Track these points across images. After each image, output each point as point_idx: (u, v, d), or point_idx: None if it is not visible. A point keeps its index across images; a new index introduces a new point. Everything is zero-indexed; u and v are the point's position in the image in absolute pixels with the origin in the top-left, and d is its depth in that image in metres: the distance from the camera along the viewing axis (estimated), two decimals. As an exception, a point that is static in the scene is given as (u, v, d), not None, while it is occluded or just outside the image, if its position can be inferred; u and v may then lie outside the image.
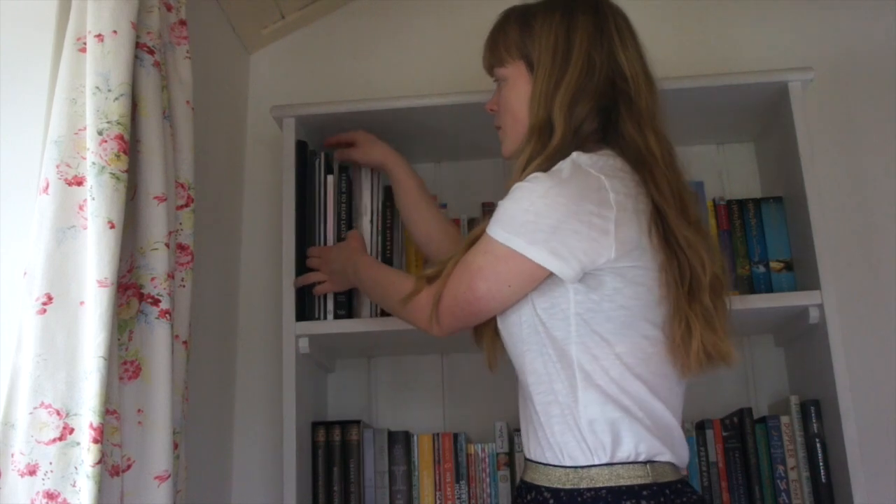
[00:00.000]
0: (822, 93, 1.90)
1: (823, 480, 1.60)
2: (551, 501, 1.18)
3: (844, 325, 1.60)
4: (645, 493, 1.15)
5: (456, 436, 1.73)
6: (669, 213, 1.23)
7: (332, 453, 1.71)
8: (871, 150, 1.94)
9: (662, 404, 1.20)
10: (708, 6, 2.05)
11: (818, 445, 1.62)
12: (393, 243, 1.76)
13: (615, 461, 1.16)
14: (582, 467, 1.17)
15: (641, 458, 1.17)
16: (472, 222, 1.82)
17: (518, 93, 1.34)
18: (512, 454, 1.72)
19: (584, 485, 1.16)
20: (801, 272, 1.69)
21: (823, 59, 1.95)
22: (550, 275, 1.20)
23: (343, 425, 1.72)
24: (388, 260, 1.74)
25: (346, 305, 1.69)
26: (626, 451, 1.17)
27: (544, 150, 1.26)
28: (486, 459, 1.72)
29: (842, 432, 1.53)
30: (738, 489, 1.65)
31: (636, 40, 1.34)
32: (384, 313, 1.70)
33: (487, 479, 1.71)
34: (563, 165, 1.22)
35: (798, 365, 1.78)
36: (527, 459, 1.27)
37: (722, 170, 1.95)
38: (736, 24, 2.04)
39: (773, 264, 1.72)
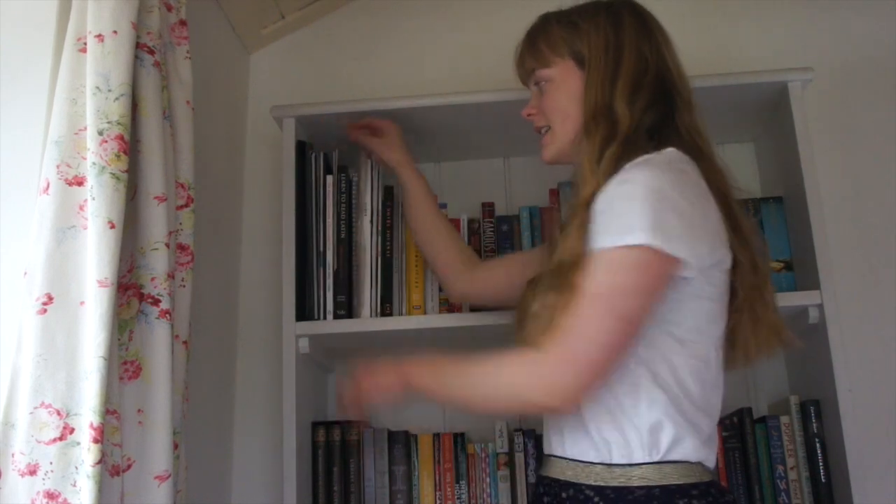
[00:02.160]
0: (822, 93, 1.90)
1: (823, 480, 1.60)
2: (596, 499, 1.16)
3: (844, 325, 1.60)
4: (694, 491, 1.15)
5: (456, 436, 1.73)
6: (732, 203, 1.24)
7: (332, 453, 1.71)
8: (871, 151, 1.94)
9: (714, 407, 1.21)
10: (708, 6, 2.05)
11: (818, 445, 1.62)
12: (393, 243, 1.75)
13: (665, 460, 1.16)
14: (631, 465, 1.16)
15: (690, 459, 1.17)
16: (471, 222, 1.82)
17: (569, 91, 1.33)
18: (512, 454, 1.72)
19: (634, 483, 1.15)
20: (800, 272, 1.69)
21: (823, 59, 1.95)
22: None
23: (343, 425, 1.72)
24: (387, 260, 1.74)
25: (346, 305, 1.69)
26: (679, 453, 1.16)
27: (615, 135, 1.24)
28: (486, 459, 1.72)
29: (842, 432, 1.53)
30: (738, 489, 1.65)
31: (671, 40, 1.36)
32: (384, 313, 1.70)
33: (487, 479, 1.71)
34: (663, 159, 1.20)
35: (798, 365, 1.78)
36: (556, 457, 1.24)
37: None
38: (736, 24, 2.04)
39: (773, 264, 1.72)
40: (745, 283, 1.24)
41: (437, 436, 1.73)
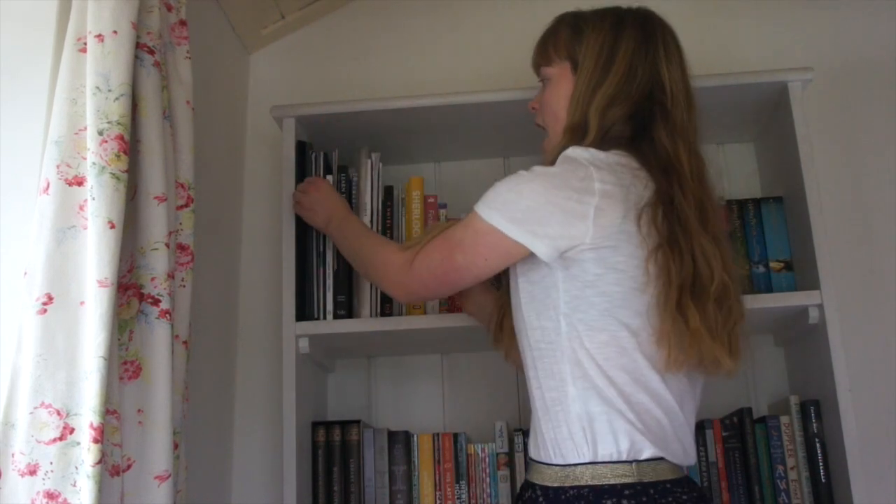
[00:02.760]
0: (822, 93, 1.90)
1: (823, 480, 1.60)
2: (541, 499, 1.21)
3: (844, 325, 1.60)
4: (627, 492, 1.16)
5: (456, 436, 1.73)
6: (690, 219, 1.26)
7: (332, 453, 1.71)
8: (871, 150, 1.94)
9: (648, 397, 1.20)
10: (708, 6, 2.05)
11: (818, 445, 1.62)
12: (393, 243, 1.75)
13: (598, 460, 1.18)
14: (568, 465, 1.19)
15: (625, 457, 1.18)
16: (471, 222, 1.82)
17: (560, 92, 1.38)
18: (512, 454, 1.72)
19: (568, 483, 1.18)
20: (800, 272, 1.68)
21: (823, 59, 1.95)
22: (530, 256, 1.25)
23: (343, 425, 1.72)
24: (388, 260, 1.74)
25: (346, 305, 1.69)
26: (607, 449, 1.18)
27: (580, 141, 1.30)
28: (486, 459, 1.72)
29: (842, 432, 1.53)
30: (738, 489, 1.65)
31: (682, 58, 1.38)
32: (384, 313, 1.70)
33: (487, 479, 1.71)
34: (562, 158, 1.28)
35: (798, 365, 1.78)
36: (530, 458, 1.30)
37: (722, 170, 1.95)
38: (736, 24, 2.04)
39: (772, 264, 1.72)
40: (673, 283, 1.22)
41: (437, 436, 1.73)
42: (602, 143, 1.29)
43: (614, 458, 1.18)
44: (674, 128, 1.32)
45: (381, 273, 1.44)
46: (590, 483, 1.17)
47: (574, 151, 1.27)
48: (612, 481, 1.17)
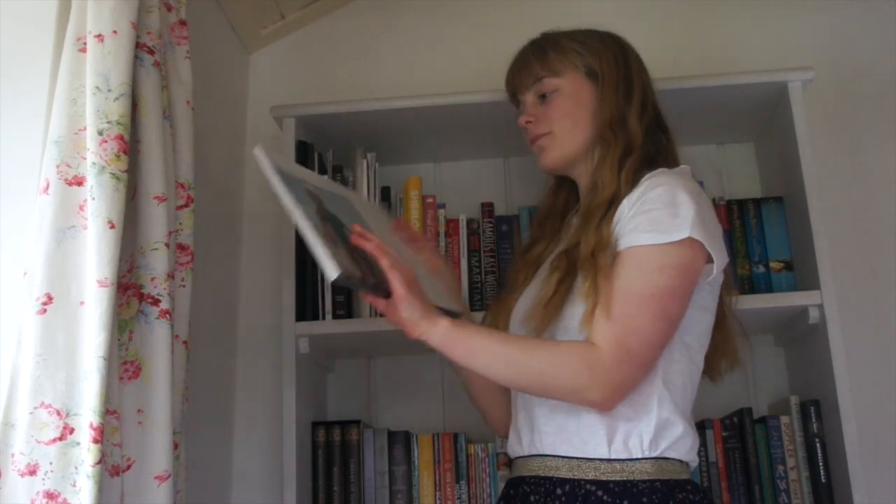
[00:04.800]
0: (822, 92, 1.90)
1: (823, 480, 1.60)
2: (599, 493, 1.19)
3: (844, 325, 1.60)
4: (689, 486, 1.23)
5: (456, 436, 1.73)
6: None
7: (332, 453, 1.71)
8: (871, 151, 1.94)
9: (692, 413, 1.28)
10: (708, 6, 2.05)
11: (818, 445, 1.62)
12: (393, 243, 1.75)
13: (661, 456, 1.21)
14: (631, 460, 1.20)
15: (683, 458, 1.24)
16: (471, 222, 1.82)
17: (580, 101, 1.36)
18: (512, 454, 1.72)
19: (637, 476, 1.19)
20: (800, 272, 1.68)
21: (823, 58, 1.95)
22: None
23: (343, 425, 1.72)
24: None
25: (346, 305, 1.69)
26: (676, 451, 1.22)
27: (633, 146, 1.31)
28: (486, 459, 1.72)
29: (842, 432, 1.53)
30: (738, 489, 1.65)
31: None
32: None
33: (487, 479, 1.71)
34: (686, 171, 1.30)
35: (798, 365, 1.78)
36: (542, 455, 1.26)
37: (722, 170, 1.95)
38: (736, 24, 2.04)
39: (773, 264, 1.72)
40: (728, 304, 1.36)
41: (437, 436, 1.73)
42: (648, 152, 1.32)
43: (677, 457, 1.23)
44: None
45: (576, 381, 1.15)
46: (660, 477, 1.20)
47: (680, 172, 1.29)
48: (676, 476, 1.22)
